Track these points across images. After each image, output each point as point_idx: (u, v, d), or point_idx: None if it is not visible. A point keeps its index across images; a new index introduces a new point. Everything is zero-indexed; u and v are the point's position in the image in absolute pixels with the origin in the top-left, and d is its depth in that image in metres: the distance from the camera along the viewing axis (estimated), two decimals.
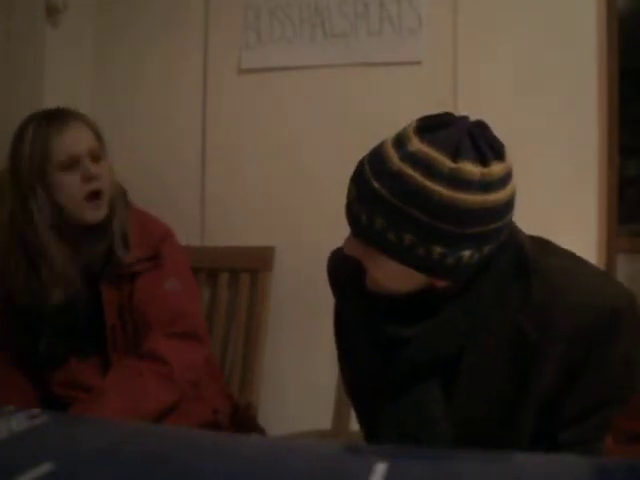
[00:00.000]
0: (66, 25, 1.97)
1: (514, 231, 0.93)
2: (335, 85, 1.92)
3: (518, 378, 0.91)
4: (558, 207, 1.75)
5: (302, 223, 1.93)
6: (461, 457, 0.76)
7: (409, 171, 0.83)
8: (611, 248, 1.78)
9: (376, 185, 0.84)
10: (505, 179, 0.85)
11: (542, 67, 1.78)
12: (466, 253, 0.84)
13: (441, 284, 0.89)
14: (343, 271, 1.07)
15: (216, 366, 1.77)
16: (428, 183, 0.82)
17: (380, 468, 0.62)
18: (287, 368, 1.92)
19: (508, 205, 0.86)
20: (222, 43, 2.01)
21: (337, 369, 1.77)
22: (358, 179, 0.88)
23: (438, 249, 0.84)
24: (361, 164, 0.89)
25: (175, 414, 1.41)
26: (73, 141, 1.39)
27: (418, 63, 1.86)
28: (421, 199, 0.82)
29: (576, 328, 0.89)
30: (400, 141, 0.86)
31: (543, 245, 0.97)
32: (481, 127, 0.86)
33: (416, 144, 0.83)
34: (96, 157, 1.42)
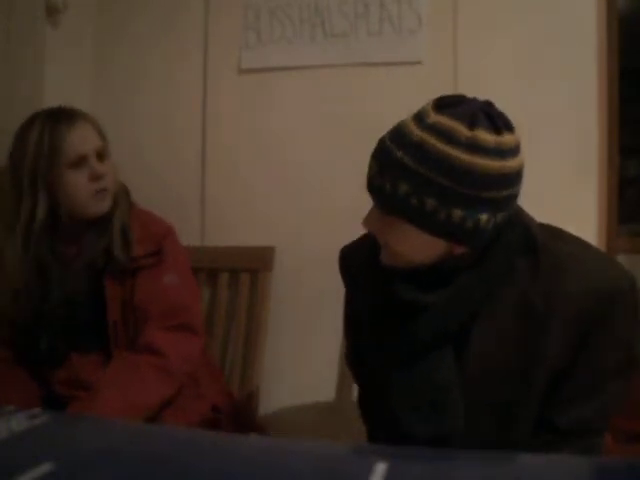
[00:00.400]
0: (66, 25, 1.96)
1: (522, 214, 0.99)
2: (335, 85, 1.92)
3: (526, 347, 0.95)
4: (558, 207, 1.74)
5: (302, 223, 1.93)
6: (461, 457, 0.76)
7: (431, 140, 0.89)
8: (611, 248, 1.78)
9: (399, 154, 0.90)
10: (516, 149, 0.92)
11: (542, 67, 1.78)
12: (483, 217, 0.90)
13: (459, 250, 0.94)
14: (354, 259, 1.13)
15: (216, 366, 1.78)
16: (449, 149, 0.88)
17: (380, 468, 0.62)
18: (287, 368, 1.92)
19: (519, 175, 0.92)
20: (222, 43, 2.01)
21: (337, 370, 1.77)
22: (380, 154, 0.93)
23: (458, 212, 0.89)
24: (382, 141, 0.95)
25: (172, 409, 1.41)
26: (81, 140, 1.40)
27: (418, 63, 1.85)
28: (443, 165, 0.88)
29: (578, 311, 0.92)
30: (419, 116, 0.92)
31: (555, 232, 1.02)
32: (491, 105, 0.95)
33: (435, 117, 0.91)
34: (101, 156, 1.44)
